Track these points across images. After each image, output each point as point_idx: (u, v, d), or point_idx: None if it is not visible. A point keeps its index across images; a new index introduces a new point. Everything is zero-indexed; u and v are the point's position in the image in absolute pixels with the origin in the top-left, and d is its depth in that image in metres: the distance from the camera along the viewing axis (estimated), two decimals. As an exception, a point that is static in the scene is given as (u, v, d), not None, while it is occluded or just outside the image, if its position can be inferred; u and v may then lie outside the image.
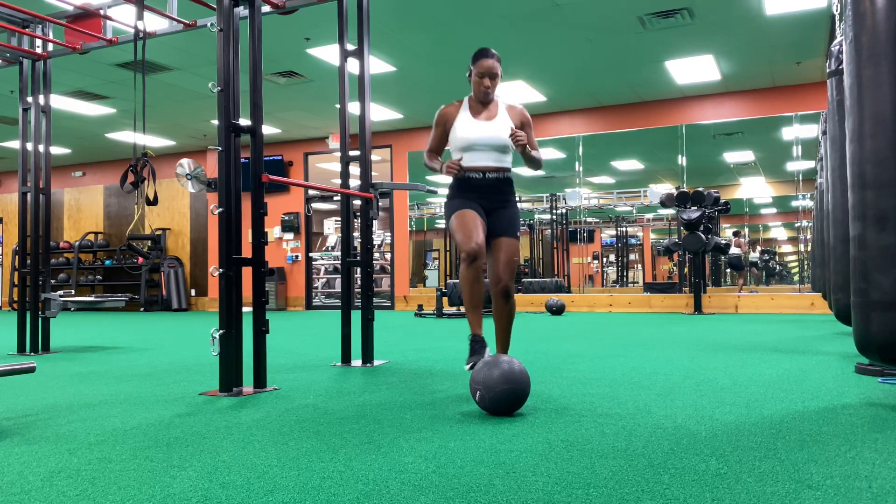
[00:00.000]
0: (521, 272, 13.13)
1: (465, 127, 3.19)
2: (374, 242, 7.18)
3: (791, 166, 9.54)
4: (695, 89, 9.06)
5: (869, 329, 2.46)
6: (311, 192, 11.56)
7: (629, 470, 1.74)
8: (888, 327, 2.38)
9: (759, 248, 11.39)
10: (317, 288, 12.33)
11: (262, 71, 3.32)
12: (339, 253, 11.15)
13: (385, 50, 7.34)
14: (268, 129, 10.99)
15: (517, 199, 3.29)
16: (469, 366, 3.02)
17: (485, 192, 3.16)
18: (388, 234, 11.51)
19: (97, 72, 7.84)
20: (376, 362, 4.01)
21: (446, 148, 3.36)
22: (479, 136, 3.15)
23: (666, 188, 10.02)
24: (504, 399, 2.41)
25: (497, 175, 3.17)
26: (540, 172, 11.41)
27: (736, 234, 11.07)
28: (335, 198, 11.37)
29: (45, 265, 5.05)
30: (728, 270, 11.68)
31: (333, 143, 11.11)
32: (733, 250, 10.75)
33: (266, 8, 3.96)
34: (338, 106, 4.17)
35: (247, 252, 3.19)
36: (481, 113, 3.21)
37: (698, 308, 8.63)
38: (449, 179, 3.27)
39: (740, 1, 6.24)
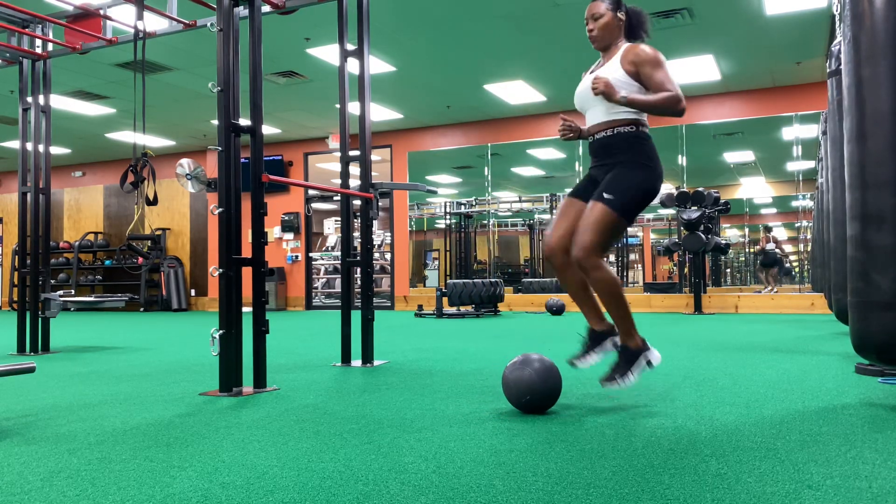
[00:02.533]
0: (521, 272, 13.14)
1: (580, 85, 2.76)
2: (374, 242, 7.18)
3: (791, 166, 9.54)
4: (695, 89, 9.06)
5: (867, 329, 2.46)
6: (311, 192, 11.55)
7: (629, 470, 1.74)
8: (886, 327, 2.39)
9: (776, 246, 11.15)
10: (317, 288, 12.33)
11: (262, 71, 3.32)
12: (339, 253, 11.15)
13: (385, 50, 7.34)
14: (268, 129, 10.99)
15: (642, 158, 2.58)
16: (572, 360, 2.72)
17: (598, 157, 2.68)
18: (388, 234, 11.51)
19: (97, 72, 7.84)
20: (376, 362, 4.01)
21: None
22: (582, 88, 2.71)
23: (666, 188, 10.02)
24: (543, 397, 2.45)
25: (604, 133, 2.64)
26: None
27: (768, 229, 10.84)
28: (335, 198, 11.36)
29: (45, 265, 5.05)
30: (726, 269, 11.66)
31: (333, 143, 11.11)
32: (771, 245, 10.61)
33: (266, 8, 3.95)
34: (338, 106, 4.17)
35: (247, 252, 3.19)
36: (598, 66, 2.75)
37: (698, 308, 8.63)
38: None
39: (740, 1, 6.24)
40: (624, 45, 2.67)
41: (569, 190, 3.01)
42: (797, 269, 11.01)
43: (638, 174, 2.57)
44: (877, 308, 2.40)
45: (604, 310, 2.69)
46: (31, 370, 2.61)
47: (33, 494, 1.63)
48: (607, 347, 2.69)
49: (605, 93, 2.53)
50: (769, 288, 10.44)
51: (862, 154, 2.46)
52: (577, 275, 2.66)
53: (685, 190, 8.84)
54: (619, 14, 2.69)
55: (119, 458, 1.95)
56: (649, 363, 2.59)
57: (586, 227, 2.54)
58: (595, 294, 2.63)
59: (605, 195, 2.54)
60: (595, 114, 2.68)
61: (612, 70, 2.63)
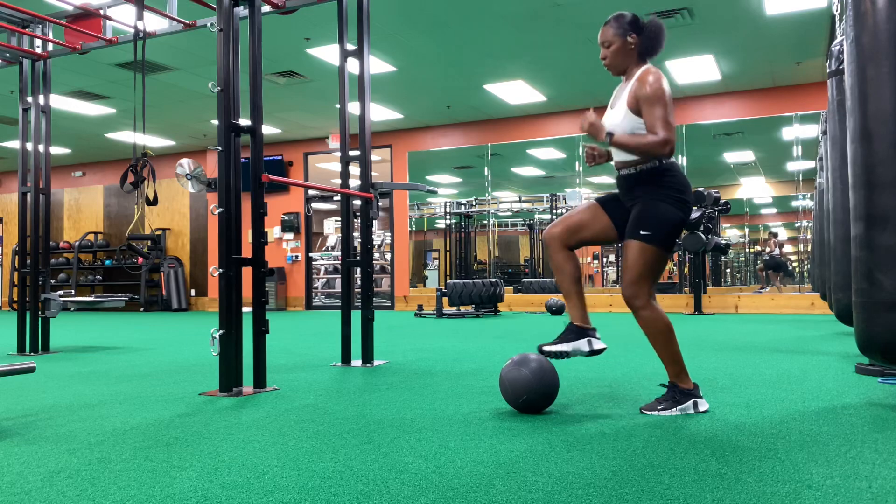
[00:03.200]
0: (521, 272, 13.15)
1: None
2: (374, 242, 7.18)
3: (791, 166, 9.54)
4: (695, 89, 9.06)
5: (871, 329, 2.45)
6: (311, 192, 11.55)
7: (629, 470, 1.74)
8: (890, 327, 2.38)
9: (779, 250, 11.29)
10: (317, 288, 12.33)
11: (262, 71, 3.32)
12: (339, 253, 11.15)
13: (385, 50, 7.34)
14: (268, 129, 10.99)
15: (668, 191, 2.49)
16: (546, 346, 2.60)
17: (623, 192, 2.61)
18: (388, 234, 11.51)
19: (97, 72, 7.84)
20: (376, 362, 4.01)
21: None
22: (604, 123, 2.63)
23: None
24: (540, 397, 2.46)
25: (628, 171, 2.56)
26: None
27: (774, 235, 10.95)
28: (335, 198, 11.36)
29: (44, 265, 5.05)
30: (726, 269, 11.66)
31: (333, 143, 11.11)
32: (776, 251, 10.75)
33: (266, 8, 3.95)
34: (338, 106, 4.17)
35: (247, 252, 3.19)
36: (616, 96, 2.69)
37: (698, 308, 8.63)
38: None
39: (740, 1, 6.24)
40: (639, 71, 2.58)
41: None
42: (797, 270, 11.01)
43: (668, 208, 2.49)
44: (882, 308, 2.40)
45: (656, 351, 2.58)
46: (31, 370, 2.61)
47: (33, 494, 1.63)
48: (581, 347, 2.60)
49: (590, 134, 2.53)
50: (767, 287, 10.48)
51: (866, 154, 2.45)
52: (571, 265, 2.62)
53: (685, 190, 8.83)
54: (628, 38, 2.61)
55: (119, 458, 1.95)
56: (696, 407, 2.47)
57: (628, 265, 2.50)
58: (646, 333, 2.54)
59: (642, 232, 2.48)
60: (616, 152, 2.60)
61: (620, 108, 2.58)
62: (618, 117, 2.56)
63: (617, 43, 2.62)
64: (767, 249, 10.84)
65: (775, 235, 10.96)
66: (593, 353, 2.62)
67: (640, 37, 2.60)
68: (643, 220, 2.49)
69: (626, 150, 2.50)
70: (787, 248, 11.49)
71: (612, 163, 2.66)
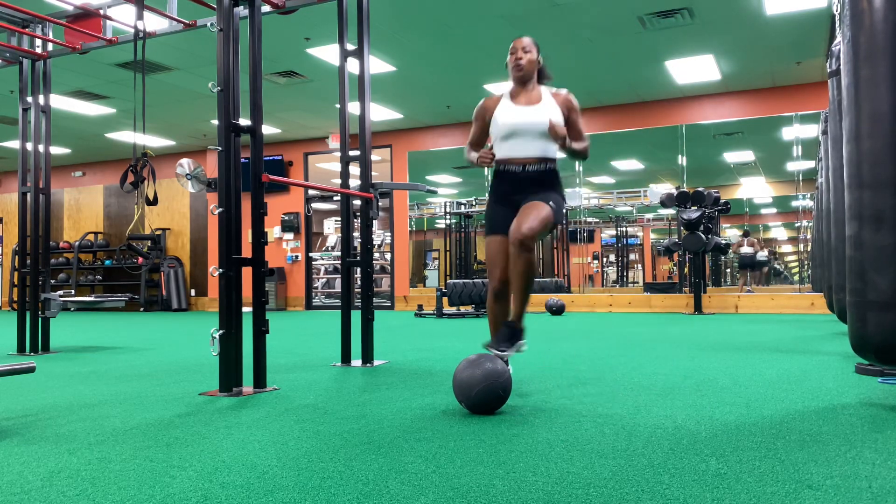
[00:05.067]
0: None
1: (507, 112, 2.96)
2: (374, 242, 7.18)
3: (791, 166, 9.54)
4: (695, 89, 9.06)
5: (865, 329, 2.45)
6: (311, 192, 11.56)
7: (629, 470, 1.74)
8: (884, 328, 2.38)
9: (766, 249, 11.37)
10: (317, 288, 12.33)
11: (262, 71, 3.32)
12: (339, 253, 11.15)
13: (385, 50, 7.34)
14: (268, 129, 10.99)
15: (561, 191, 3.01)
16: (487, 345, 2.89)
17: (524, 185, 2.94)
18: (388, 234, 11.51)
19: (97, 72, 7.84)
20: (376, 362, 4.01)
21: (488, 143, 3.14)
22: (521, 120, 2.92)
23: (666, 188, 10.02)
24: (485, 400, 2.44)
25: (538, 167, 2.93)
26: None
27: (746, 234, 11.03)
28: (335, 198, 11.37)
29: (44, 265, 5.05)
30: (728, 270, 11.67)
31: (333, 143, 11.11)
32: (746, 249, 10.75)
33: (266, 8, 3.96)
34: (338, 106, 4.17)
35: (247, 252, 3.19)
36: (522, 99, 2.98)
37: (698, 308, 8.63)
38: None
39: (740, 1, 6.24)
40: (542, 87, 3.02)
41: (568, 190, 3.10)
42: (796, 270, 11.02)
43: (562, 201, 2.99)
44: (875, 308, 2.40)
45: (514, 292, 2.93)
46: (31, 370, 2.61)
47: (33, 494, 1.63)
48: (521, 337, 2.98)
49: (563, 137, 2.85)
50: (747, 288, 10.53)
51: (861, 154, 2.46)
52: (507, 305, 2.96)
53: (685, 190, 8.85)
54: (540, 57, 3.03)
55: (119, 458, 1.95)
56: (519, 347, 2.92)
57: (535, 217, 2.82)
58: (517, 271, 2.84)
59: (551, 203, 2.89)
60: (531, 145, 2.94)
61: (552, 110, 2.94)
62: (556, 118, 2.93)
63: (533, 54, 3.00)
64: (742, 249, 10.89)
65: (747, 234, 11.01)
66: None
67: (541, 59, 3.06)
68: (550, 197, 2.92)
69: (574, 151, 2.96)
70: (788, 248, 11.51)
71: (507, 160, 2.98)
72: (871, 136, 2.42)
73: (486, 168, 3.07)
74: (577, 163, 10.46)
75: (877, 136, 2.40)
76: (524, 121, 2.92)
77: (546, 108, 2.93)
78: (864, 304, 2.45)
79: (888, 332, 2.38)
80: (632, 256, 13.34)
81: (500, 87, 8.98)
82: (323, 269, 12.58)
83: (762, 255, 11.00)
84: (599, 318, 8.24)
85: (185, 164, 3.57)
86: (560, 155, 3.03)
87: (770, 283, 11.36)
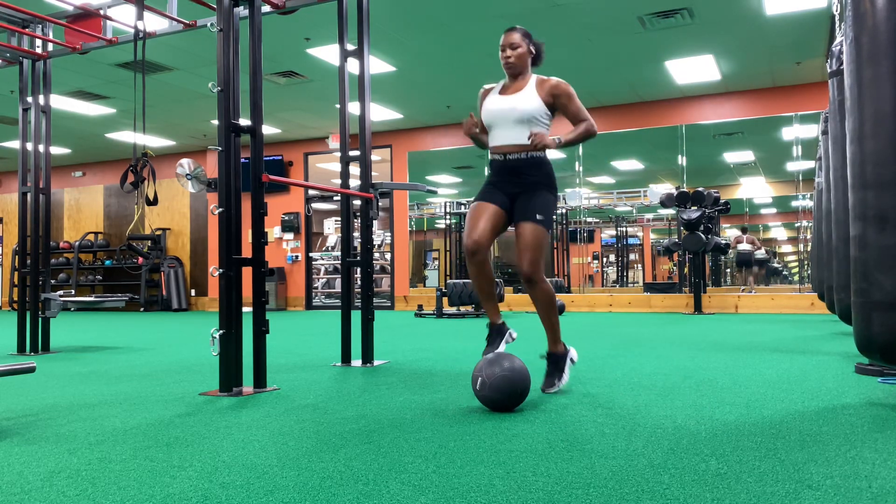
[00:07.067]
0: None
1: (490, 103, 3.03)
2: (374, 242, 7.18)
3: (791, 166, 9.54)
4: (695, 89, 9.06)
5: (870, 329, 2.45)
6: (311, 192, 11.56)
7: (629, 470, 1.74)
8: (890, 327, 2.38)
9: (763, 248, 11.38)
10: (317, 288, 12.33)
11: (262, 71, 3.32)
12: (339, 253, 11.15)
13: (385, 50, 7.34)
14: (268, 129, 10.99)
15: (549, 181, 2.98)
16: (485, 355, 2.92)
17: (506, 176, 2.97)
18: (388, 234, 11.51)
19: (97, 72, 7.84)
20: (376, 362, 4.01)
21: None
22: (498, 107, 2.98)
23: (666, 188, 10.02)
24: (503, 389, 2.47)
25: (517, 155, 2.93)
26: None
27: (744, 230, 11.02)
28: (335, 198, 11.36)
29: (45, 265, 5.05)
30: (728, 270, 11.67)
31: (333, 143, 11.11)
32: (743, 246, 10.75)
33: (266, 8, 3.96)
34: (338, 106, 4.17)
35: (247, 252, 3.19)
36: (509, 89, 3.03)
37: (698, 308, 8.63)
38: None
39: (740, 1, 6.24)
40: (533, 76, 3.01)
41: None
42: (796, 270, 11.02)
43: (551, 196, 2.96)
44: (880, 308, 2.40)
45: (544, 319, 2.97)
46: (31, 370, 2.61)
47: (33, 494, 1.63)
48: (508, 338, 2.99)
49: (546, 145, 2.83)
50: (745, 288, 10.53)
51: (864, 154, 2.45)
52: (490, 273, 2.95)
53: (685, 190, 8.84)
54: (530, 47, 3.02)
55: (119, 458, 1.95)
56: (572, 360, 2.98)
57: (530, 246, 2.86)
58: (539, 305, 2.91)
59: (539, 216, 2.88)
60: (508, 133, 2.95)
61: (529, 99, 2.94)
62: (530, 105, 2.92)
63: (523, 47, 3.00)
64: (740, 247, 10.89)
65: (745, 231, 11.02)
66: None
67: (534, 48, 3.04)
68: (537, 204, 2.90)
69: (573, 144, 2.96)
70: (788, 247, 11.51)
71: (492, 149, 3.00)
72: (874, 136, 2.41)
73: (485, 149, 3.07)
74: (577, 162, 10.46)
75: (880, 136, 2.40)
76: (500, 108, 2.97)
77: (526, 95, 2.95)
78: (868, 304, 2.45)
79: (893, 332, 2.38)
80: (632, 256, 13.34)
81: (500, 87, 9.04)
82: (323, 269, 12.57)
83: (760, 253, 11.01)
84: (599, 318, 8.24)
85: (185, 164, 3.57)
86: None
87: (769, 283, 11.36)
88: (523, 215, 2.90)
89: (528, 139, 2.84)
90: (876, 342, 2.45)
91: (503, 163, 2.98)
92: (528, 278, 2.85)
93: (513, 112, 2.92)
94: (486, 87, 3.15)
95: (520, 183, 2.94)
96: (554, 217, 3.00)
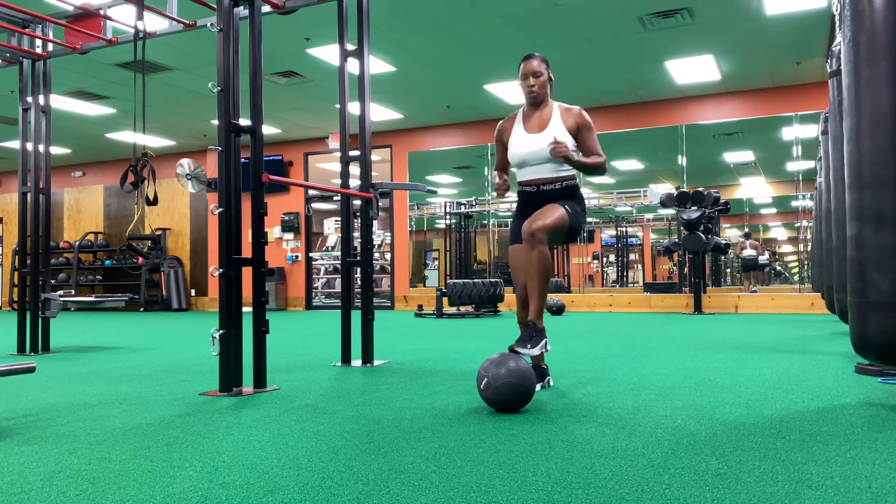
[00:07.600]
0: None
1: (517, 142, 3.04)
2: (374, 242, 7.18)
3: (791, 166, 9.54)
4: (695, 89, 9.06)
5: (866, 329, 2.46)
6: (311, 192, 11.55)
7: (629, 470, 1.74)
8: (885, 327, 2.38)
9: (766, 250, 11.41)
10: (317, 288, 12.33)
11: (262, 71, 3.32)
12: (339, 253, 11.15)
13: (385, 50, 7.34)
14: (268, 129, 10.99)
15: (578, 202, 3.01)
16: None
17: (540, 205, 2.98)
18: (388, 234, 11.51)
19: (97, 72, 7.84)
20: (376, 362, 4.01)
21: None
22: (528, 150, 2.99)
23: (666, 188, 10.02)
24: (508, 394, 2.46)
25: (552, 186, 3.00)
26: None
27: (747, 235, 11.07)
28: (335, 198, 11.37)
29: (45, 265, 5.05)
30: (728, 270, 11.67)
31: (333, 143, 11.11)
32: (748, 252, 10.82)
33: (266, 8, 3.96)
34: (338, 106, 4.17)
35: (247, 252, 3.19)
36: (534, 122, 3.03)
37: (698, 308, 8.63)
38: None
39: (740, 1, 6.24)
40: (555, 104, 3.03)
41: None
42: (796, 270, 11.03)
43: (579, 207, 2.99)
44: (876, 308, 2.40)
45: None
46: (31, 370, 2.61)
47: (33, 494, 1.63)
48: (547, 384, 3.05)
49: (567, 156, 2.85)
50: (753, 289, 10.57)
51: (862, 154, 2.46)
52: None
53: (685, 190, 8.84)
54: (549, 73, 3.03)
55: (119, 458, 1.95)
56: (545, 346, 2.85)
57: (549, 215, 2.84)
58: (529, 264, 2.82)
59: (567, 208, 2.91)
60: (543, 168, 2.99)
61: (558, 129, 2.96)
62: (560, 138, 2.91)
63: (545, 75, 3.01)
64: (745, 252, 10.96)
65: (748, 236, 11.06)
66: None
67: (551, 75, 3.05)
68: (569, 203, 2.95)
69: (585, 169, 2.97)
70: (788, 247, 11.51)
71: (524, 182, 3.05)
72: (871, 136, 2.42)
73: (499, 191, 3.04)
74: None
75: (878, 136, 2.40)
76: (531, 150, 2.99)
77: (553, 132, 2.96)
78: (865, 304, 2.45)
79: (889, 332, 2.38)
80: (632, 256, 13.33)
81: (501, 88, 9.03)
82: (323, 269, 12.57)
83: (763, 258, 11.07)
84: (599, 318, 8.24)
85: (185, 164, 3.57)
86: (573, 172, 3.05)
87: (771, 283, 11.37)
88: (556, 202, 2.95)
89: (548, 146, 2.86)
90: (872, 342, 2.45)
91: (537, 194, 3.02)
92: (531, 234, 2.79)
93: (544, 152, 2.94)
94: (503, 122, 3.14)
95: (552, 201, 2.98)
96: (575, 231, 2.95)
